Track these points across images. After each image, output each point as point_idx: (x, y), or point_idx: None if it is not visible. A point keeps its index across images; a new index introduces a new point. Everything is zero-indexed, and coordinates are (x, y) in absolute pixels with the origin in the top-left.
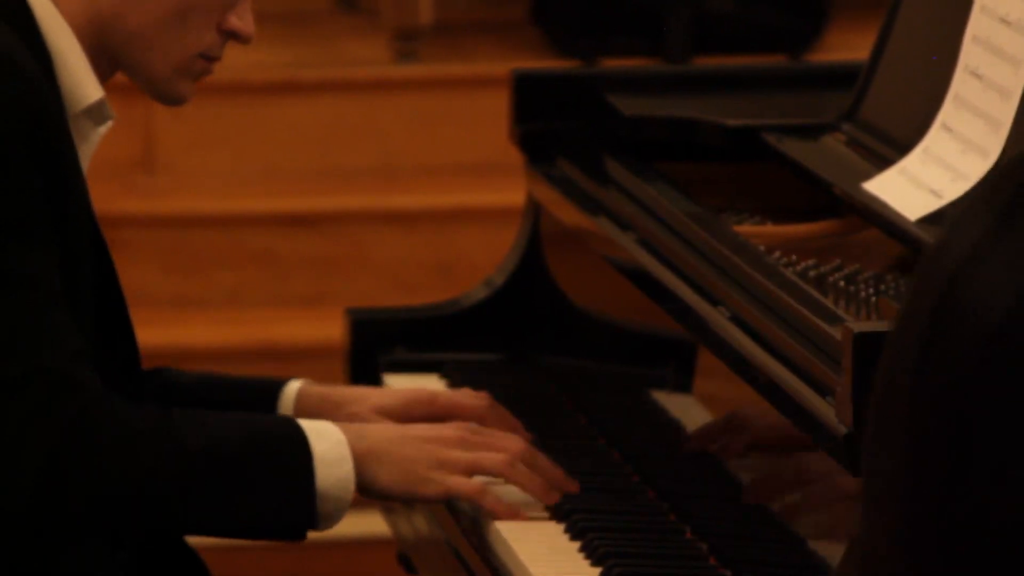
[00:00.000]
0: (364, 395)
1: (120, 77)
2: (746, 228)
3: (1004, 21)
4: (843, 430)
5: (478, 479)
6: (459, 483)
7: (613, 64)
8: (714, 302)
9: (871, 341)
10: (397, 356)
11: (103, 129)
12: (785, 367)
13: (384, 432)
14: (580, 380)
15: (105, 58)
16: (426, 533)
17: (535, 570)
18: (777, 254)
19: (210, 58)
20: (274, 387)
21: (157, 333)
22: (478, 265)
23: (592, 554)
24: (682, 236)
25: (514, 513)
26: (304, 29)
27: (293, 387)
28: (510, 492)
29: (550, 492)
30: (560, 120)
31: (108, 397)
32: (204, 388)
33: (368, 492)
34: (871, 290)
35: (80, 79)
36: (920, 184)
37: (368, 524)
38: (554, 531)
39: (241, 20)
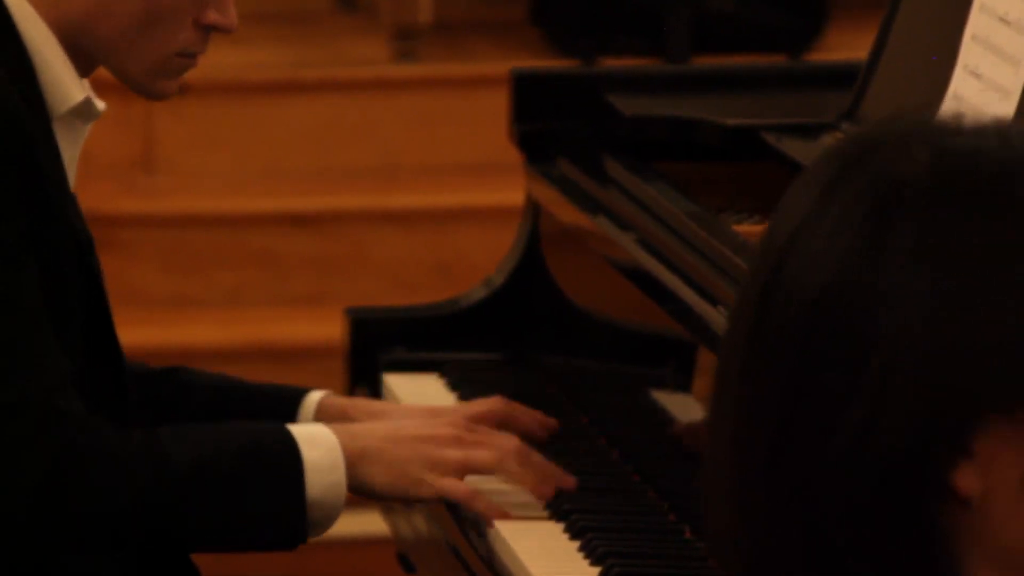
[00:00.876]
0: (386, 410)
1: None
2: (746, 228)
3: (1003, 20)
4: None
5: (471, 479)
6: (451, 485)
7: (613, 64)
8: (714, 302)
9: None
10: (397, 356)
11: (90, 124)
12: None
13: (377, 432)
14: (580, 380)
15: (83, 57)
16: (425, 532)
17: (534, 569)
18: None
19: (190, 55)
20: (294, 398)
21: (157, 333)
22: (478, 265)
23: (591, 554)
24: (682, 236)
25: (504, 516)
26: (304, 29)
27: (314, 398)
28: (511, 493)
29: (543, 485)
30: (559, 120)
31: (93, 422)
32: (221, 394)
33: (362, 493)
34: None
35: (62, 80)
36: None
37: (367, 523)
38: (553, 531)
39: (220, 13)
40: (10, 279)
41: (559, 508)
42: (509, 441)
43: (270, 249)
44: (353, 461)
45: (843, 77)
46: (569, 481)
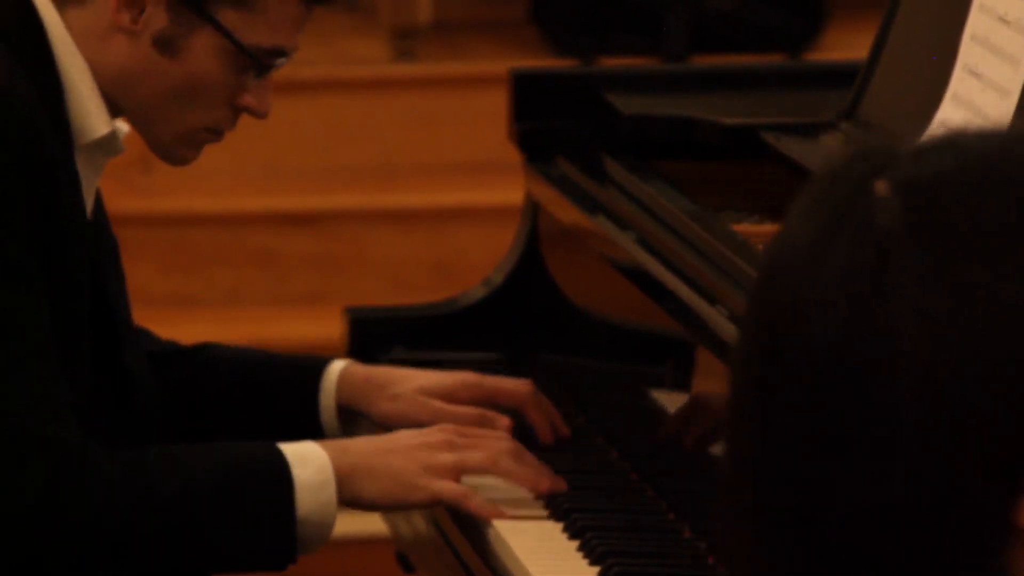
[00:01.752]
0: (408, 376)
1: None
2: (745, 227)
3: (1003, 20)
4: None
5: (468, 480)
6: (445, 487)
7: (612, 63)
8: (713, 301)
9: None
10: (396, 355)
11: (111, 157)
12: None
13: (368, 446)
14: (578, 379)
15: (114, 105)
16: (424, 533)
17: (533, 569)
18: None
19: (218, 131)
20: (317, 367)
21: (156, 332)
22: (477, 264)
23: (591, 553)
24: (681, 235)
25: (499, 515)
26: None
27: (336, 367)
28: (508, 491)
29: (538, 480)
30: (559, 119)
31: (84, 451)
32: (245, 368)
33: (357, 507)
34: None
35: (90, 112)
36: None
37: (367, 524)
38: (552, 530)
39: (256, 99)
40: (15, 300)
41: (558, 507)
42: (502, 441)
43: (269, 248)
44: (344, 477)
45: (842, 76)
46: (560, 484)
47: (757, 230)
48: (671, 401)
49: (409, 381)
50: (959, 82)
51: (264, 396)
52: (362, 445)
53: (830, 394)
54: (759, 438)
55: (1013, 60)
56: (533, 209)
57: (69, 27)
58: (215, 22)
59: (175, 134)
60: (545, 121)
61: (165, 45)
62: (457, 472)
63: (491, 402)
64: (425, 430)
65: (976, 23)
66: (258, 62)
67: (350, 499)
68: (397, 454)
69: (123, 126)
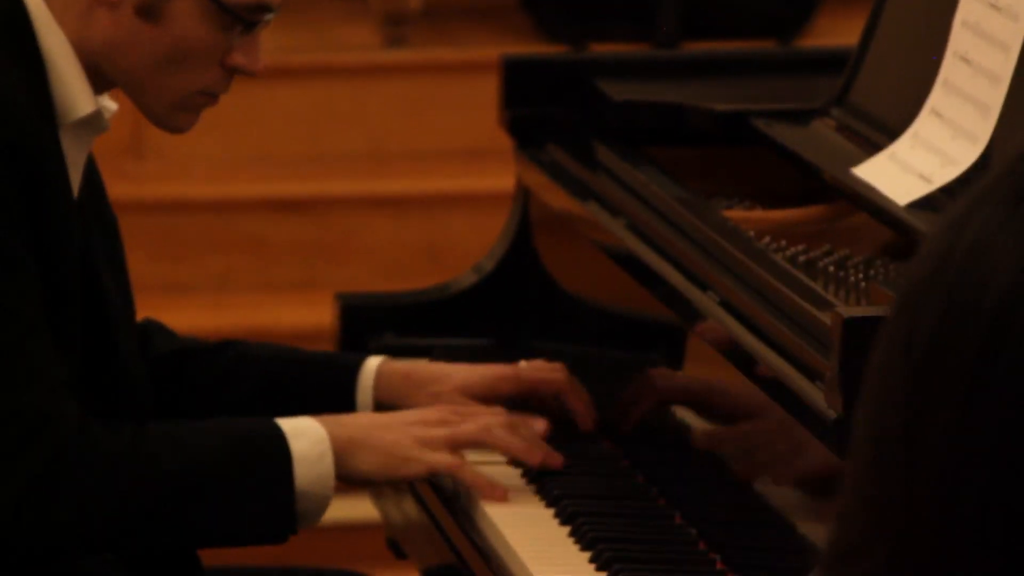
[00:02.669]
0: (447, 373)
1: None
2: (736, 213)
3: (993, 6)
4: (832, 415)
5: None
6: (439, 459)
7: (602, 49)
8: (704, 287)
9: (861, 326)
10: (386, 341)
11: (97, 135)
12: (775, 352)
13: (364, 420)
14: (569, 365)
15: (102, 78)
16: (415, 518)
17: (524, 555)
18: (767, 239)
19: (212, 94)
20: (351, 365)
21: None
22: (467, 250)
23: (582, 539)
24: (671, 221)
25: (493, 487)
26: (294, 14)
27: (372, 365)
28: (503, 480)
29: (532, 452)
30: (549, 105)
31: (84, 426)
32: (277, 365)
33: (352, 480)
34: (861, 275)
35: (74, 91)
36: (910, 169)
37: (357, 509)
38: (544, 516)
39: (246, 57)
40: (8, 285)
41: (549, 493)
42: (496, 414)
43: (259, 234)
44: (340, 449)
45: (833, 63)
46: (555, 459)
47: (748, 216)
48: (662, 388)
49: (450, 379)
50: (950, 68)
51: (298, 395)
52: (358, 420)
53: (990, 364)
54: (955, 438)
55: (1004, 46)
56: (524, 195)
57: (50, 6)
58: None
59: (169, 101)
60: (536, 107)
61: (147, 12)
62: (451, 444)
63: (532, 393)
64: (421, 409)
65: (967, 9)
66: (241, 19)
67: (346, 472)
68: (392, 429)
69: (109, 104)
